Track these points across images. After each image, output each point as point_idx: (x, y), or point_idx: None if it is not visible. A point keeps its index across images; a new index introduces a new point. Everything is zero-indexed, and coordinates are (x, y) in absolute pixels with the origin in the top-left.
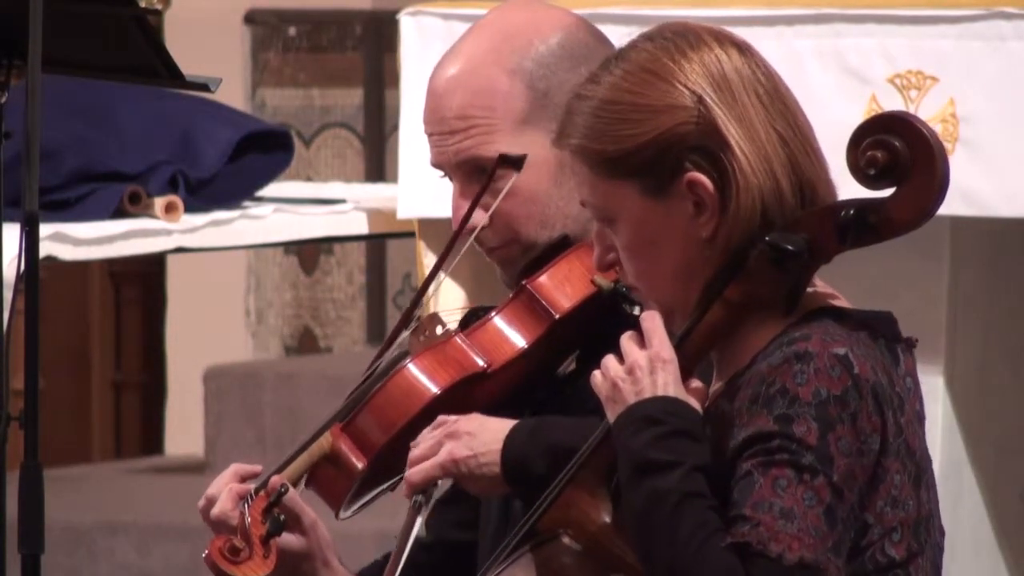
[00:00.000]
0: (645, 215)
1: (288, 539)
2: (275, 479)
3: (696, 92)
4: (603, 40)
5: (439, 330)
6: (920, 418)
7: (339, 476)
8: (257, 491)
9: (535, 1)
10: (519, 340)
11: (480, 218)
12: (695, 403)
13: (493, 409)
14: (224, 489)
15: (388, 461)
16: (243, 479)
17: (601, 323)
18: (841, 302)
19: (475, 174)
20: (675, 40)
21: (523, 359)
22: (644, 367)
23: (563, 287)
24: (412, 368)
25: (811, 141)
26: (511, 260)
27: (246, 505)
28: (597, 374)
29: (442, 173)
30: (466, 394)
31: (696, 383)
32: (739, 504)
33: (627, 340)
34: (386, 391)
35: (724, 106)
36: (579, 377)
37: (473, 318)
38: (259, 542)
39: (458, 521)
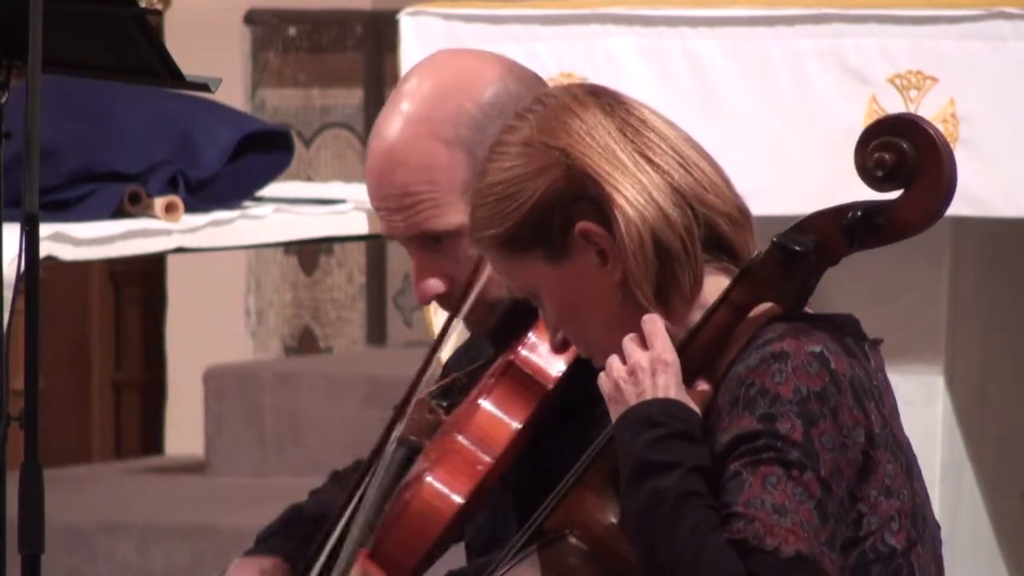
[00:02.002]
0: (558, 281)
1: None
2: None
3: (559, 147)
4: (533, 84)
5: (428, 414)
6: (897, 411)
7: None
8: None
9: (461, 53)
10: (514, 421)
11: (439, 287)
12: (695, 405)
13: (503, 484)
14: None
15: (415, 572)
16: None
17: (579, 377)
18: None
19: (429, 244)
20: (532, 108)
21: (521, 435)
22: (646, 368)
23: (549, 354)
24: (431, 484)
25: (690, 159)
26: (479, 321)
27: None
28: (602, 375)
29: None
30: (481, 490)
31: (703, 385)
32: (730, 503)
33: (629, 341)
34: (409, 512)
35: (590, 152)
36: (558, 427)
37: (456, 391)
38: None
39: None
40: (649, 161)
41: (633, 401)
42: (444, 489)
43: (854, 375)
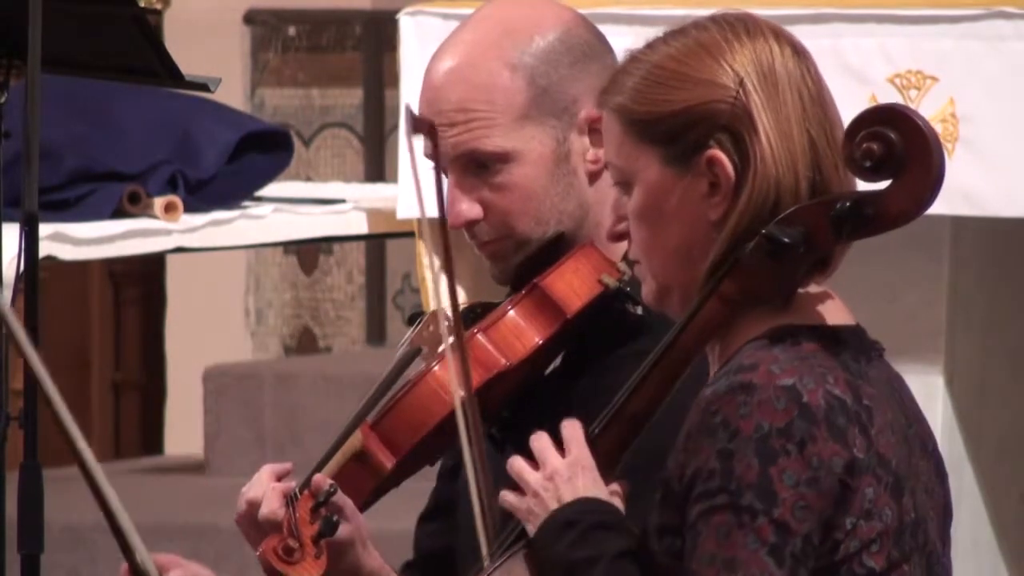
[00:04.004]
0: (660, 183)
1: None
2: (319, 478)
3: (740, 74)
4: (602, 38)
5: (443, 326)
6: (893, 426)
7: (365, 475)
8: (301, 490)
9: None
10: (533, 337)
11: (474, 211)
12: (616, 501)
13: (502, 406)
14: (267, 489)
15: (409, 462)
16: (280, 478)
17: (591, 326)
18: (825, 306)
19: (471, 167)
20: (734, 24)
21: (533, 357)
22: (563, 474)
23: (573, 286)
24: (441, 370)
25: (840, 148)
26: (502, 255)
27: (293, 505)
28: (509, 495)
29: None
30: (486, 394)
31: (615, 486)
32: (689, 558)
33: (544, 449)
34: (416, 393)
35: (763, 94)
36: (564, 377)
37: (472, 314)
38: (310, 542)
39: (439, 531)
40: (810, 137)
41: (553, 506)
42: (452, 377)
43: (832, 405)
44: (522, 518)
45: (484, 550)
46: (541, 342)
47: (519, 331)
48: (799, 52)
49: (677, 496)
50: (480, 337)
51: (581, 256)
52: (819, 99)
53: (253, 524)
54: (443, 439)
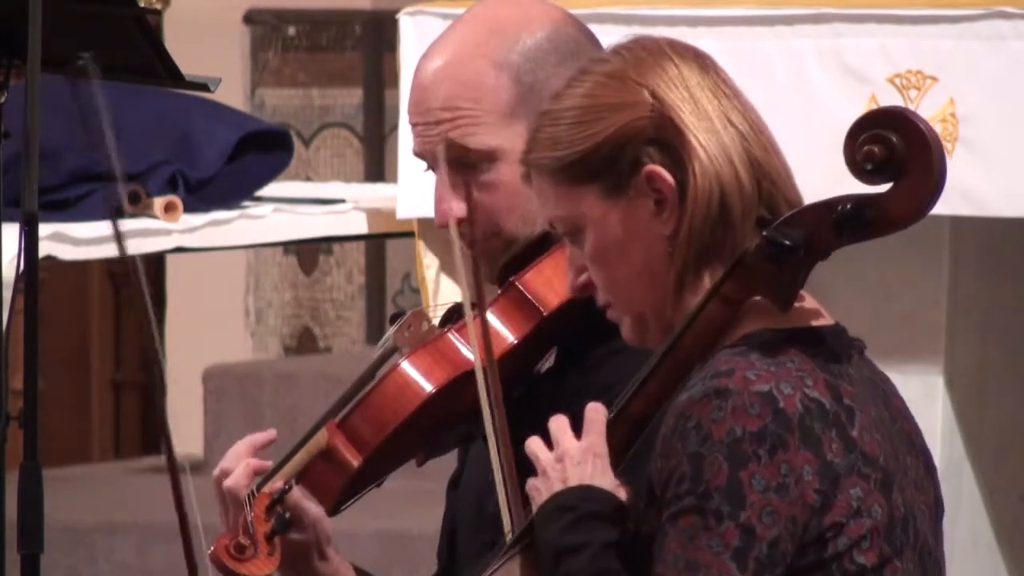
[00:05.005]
0: (608, 217)
1: (288, 536)
2: (277, 479)
3: (650, 87)
4: (591, 37)
5: (424, 326)
6: (878, 424)
7: (333, 473)
8: (259, 487)
9: None
10: (509, 336)
11: (461, 210)
12: (622, 492)
13: (479, 406)
14: (241, 463)
15: (380, 460)
16: (258, 449)
17: (581, 321)
18: (803, 308)
19: (458, 165)
20: (632, 47)
21: (511, 356)
22: (574, 457)
23: (551, 283)
24: (407, 366)
25: (771, 141)
26: (491, 254)
27: (249, 503)
28: (536, 441)
29: (425, 166)
30: (458, 391)
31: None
32: (656, 560)
33: (561, 429)
34: (381, 389)
35: (679, 99)
36: (558, 374)
37: (455, 314)
38: (263, 540)
39: None
40: (732, 125)
41: (558, 487)
42: (417, 374)
43: (809, 409)
44: (529, 493)
45: (506, 527)
46: (517, 340)
47: (494, 331)
48: (701, 58)
49: (658, 501)
50: (451, 336)
51: (560, 254)
52: (732, 93)
53: (221, 492)
54: (415, 435)
